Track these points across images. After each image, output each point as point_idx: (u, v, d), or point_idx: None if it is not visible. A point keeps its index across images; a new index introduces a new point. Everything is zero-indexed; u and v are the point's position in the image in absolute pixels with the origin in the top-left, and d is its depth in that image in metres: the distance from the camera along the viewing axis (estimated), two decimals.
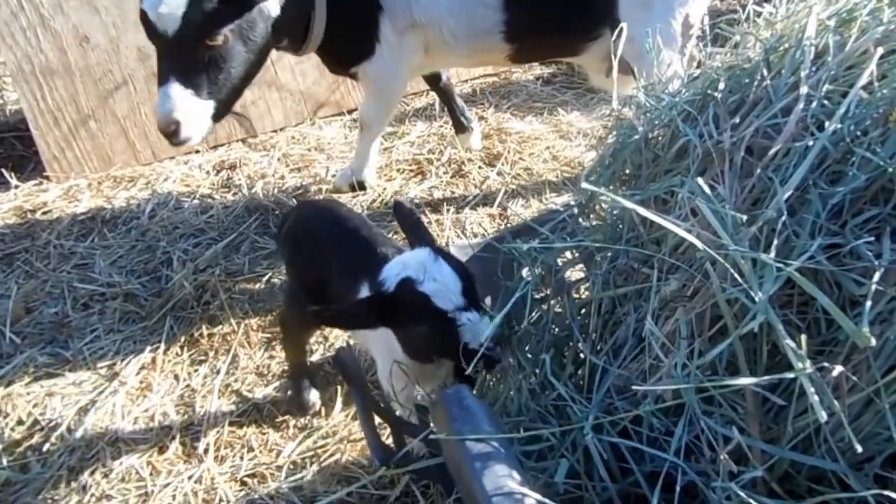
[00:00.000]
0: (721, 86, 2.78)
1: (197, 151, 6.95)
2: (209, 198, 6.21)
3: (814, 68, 2.49)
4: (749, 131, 2.45)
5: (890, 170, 2.13)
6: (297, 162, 6.68)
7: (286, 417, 4.23)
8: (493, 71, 8.16)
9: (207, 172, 6.62)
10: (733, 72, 2.84)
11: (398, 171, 6.44)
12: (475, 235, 5.50)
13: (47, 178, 6.55)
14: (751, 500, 1.97)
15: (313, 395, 4.23)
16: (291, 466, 3.96)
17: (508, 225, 5.57)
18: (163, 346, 4.74)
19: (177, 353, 4.71)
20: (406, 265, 2.94)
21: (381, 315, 2.96)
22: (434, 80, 6.42)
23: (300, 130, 7.25)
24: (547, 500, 2.02)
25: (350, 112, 7.51)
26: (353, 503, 3.67)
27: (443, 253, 3.03)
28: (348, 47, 5.45)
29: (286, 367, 4.49)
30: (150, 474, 3.98)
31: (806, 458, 2.04)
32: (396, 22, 5.19)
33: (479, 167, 6.39)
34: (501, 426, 2.37)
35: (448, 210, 5.82)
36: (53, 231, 5.88)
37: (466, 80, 7.97)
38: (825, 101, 2.39)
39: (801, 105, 2.35)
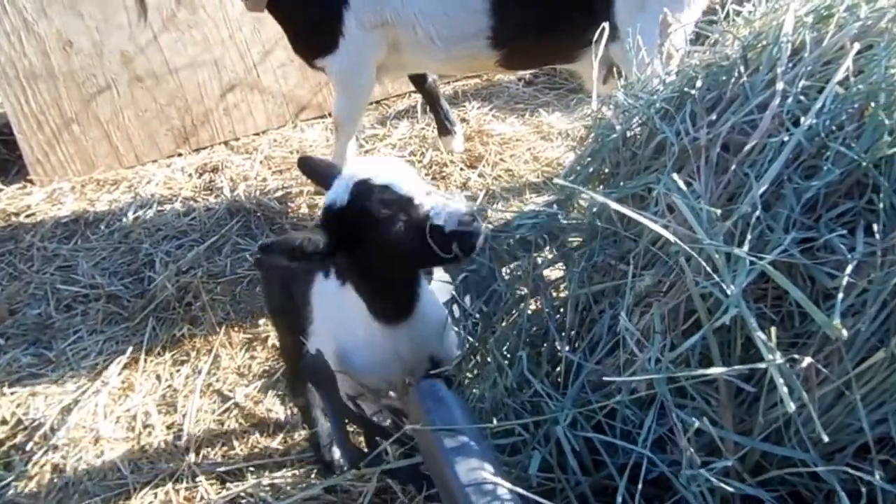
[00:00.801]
0: (699, 83, 2.79)
1: (180, 154, 6.97)
2: (192, 200, 6.22)
3: (790, 65, 2.51)
4: (725, 128, 2.46)
5: (864, 164, 2.15)
6: (279, 164, 6.70)
7: (266, 416, 4.24)
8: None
9: (190, 175, 6.63)
10: (711, 69, 2.85)
11: None
12: None
13: (31, 181, 6.59)
14: (720, 484, 1.99)
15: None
16: (272, 464, 3.98)
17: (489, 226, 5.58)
18: (145, 347, 4.76)
19: (159, 354, 4.73)
20: (353, 173, 2.69)
21: (339, 233, 2.67)
22: (420, 81, 6.39)
23: (282, 133, 7.26)
24: (520, 490, 2.04)
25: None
26: (333, 500, 3.68)
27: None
28: (311, 37, 5.47)
29: (266, 368, 4.51)
30: (132, 472, 4.01)
31: (776, 448, 2.06)
32: (363, 18, 5.17)
33: (461, 169, 6.40)
34: (476, 419, 2.38)
35: None
36: (37, 233, 5.90)
37: (448, 82, 7.95)
38: (801, 97, 2.40)
39: (776, 101, 2.36)
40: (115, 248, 5.71)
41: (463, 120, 7.09)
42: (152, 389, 4.50)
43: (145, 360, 4.70)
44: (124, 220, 6.00)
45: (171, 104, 6.92)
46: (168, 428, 4.28)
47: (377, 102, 7.64)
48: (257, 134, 7.27)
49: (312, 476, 3.88)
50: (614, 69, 5.13)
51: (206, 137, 7.12)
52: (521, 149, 6.63)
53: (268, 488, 3.82)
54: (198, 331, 4.86)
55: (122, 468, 4.02)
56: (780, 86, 2.40)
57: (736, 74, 2.68)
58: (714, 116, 2.59)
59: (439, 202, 2.64)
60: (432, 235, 2.60)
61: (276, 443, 4.10)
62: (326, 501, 3.71)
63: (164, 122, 6.94)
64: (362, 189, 2.63)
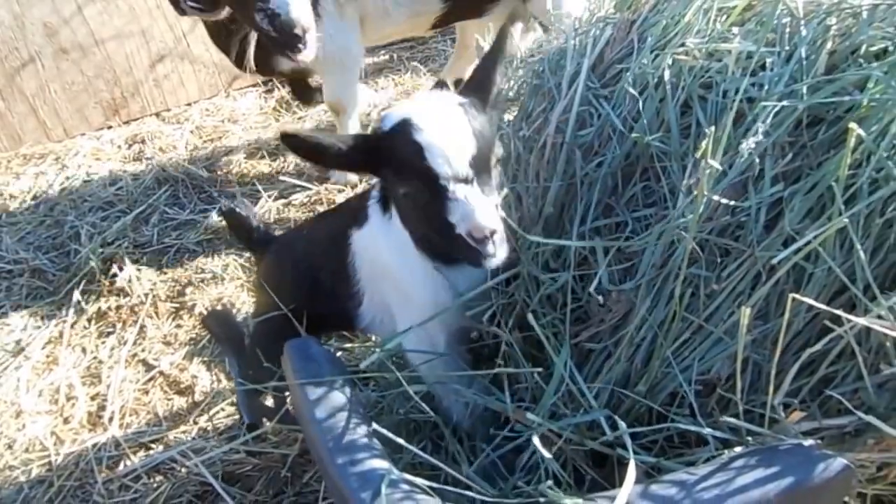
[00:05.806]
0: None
1: (109, 127, 6.93)
2: (119, 171, 6.18)
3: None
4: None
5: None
6: (209, 134, 6.68)
7: (191, 384, 4.22)
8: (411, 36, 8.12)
9: (119, 147, 6.60)
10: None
11: None
12: None
13: None
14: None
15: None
16: (196, 431, 3.96)
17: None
18: (70, 320, 4.72)
19: (84, 326, 4.69)
20: (413, 109, 2.33)
21: (367, 153, 2.39)
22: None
23: (214, 102, 7.24)
24: (386, 431, 2.06)
25: (265, 83, 7.44)
26: (256, 462, 3.66)
27: (473, 106, 2.38)
28: None
29: (193, 336, 4.49)
30: (55, 444, 3.98)
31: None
32: None
33: None
34: (346, 373, 2.34)
35: None
36: None
37: (385, 47, 7.90)
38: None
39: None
40: (41, 221, 5.68)
41: (398, 84, 7.07)
42: (77, 362, 4.46)
43: (70, 333, 4.66)
44: (50, 192, 5.98)
45: (100, 76, 6.86)
46: (92, 399, 4.24)
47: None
48: (189, 104, 7.24)
49: (236, 442, 3.86)
50: (535, 23, 5.15)
51: (137, 109, 7.08)
52: None
53: (192, 454, 3.81)
54: (124, 302, 4.81)
55: (43, 441, 4.00)
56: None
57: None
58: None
59: (466, 199, 2.23)
60: (443, 229, 2.27)
61: (200, 410, 4.08)
62: (251, 465, 3.69)
63: (92, 94, 6.89)
64: (402, 130, 2.28)
